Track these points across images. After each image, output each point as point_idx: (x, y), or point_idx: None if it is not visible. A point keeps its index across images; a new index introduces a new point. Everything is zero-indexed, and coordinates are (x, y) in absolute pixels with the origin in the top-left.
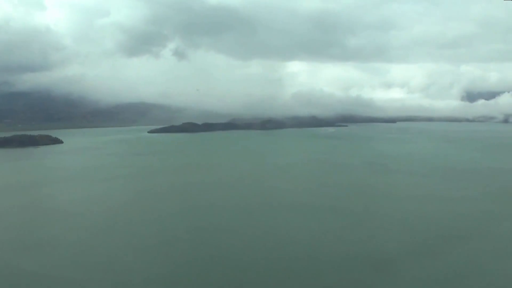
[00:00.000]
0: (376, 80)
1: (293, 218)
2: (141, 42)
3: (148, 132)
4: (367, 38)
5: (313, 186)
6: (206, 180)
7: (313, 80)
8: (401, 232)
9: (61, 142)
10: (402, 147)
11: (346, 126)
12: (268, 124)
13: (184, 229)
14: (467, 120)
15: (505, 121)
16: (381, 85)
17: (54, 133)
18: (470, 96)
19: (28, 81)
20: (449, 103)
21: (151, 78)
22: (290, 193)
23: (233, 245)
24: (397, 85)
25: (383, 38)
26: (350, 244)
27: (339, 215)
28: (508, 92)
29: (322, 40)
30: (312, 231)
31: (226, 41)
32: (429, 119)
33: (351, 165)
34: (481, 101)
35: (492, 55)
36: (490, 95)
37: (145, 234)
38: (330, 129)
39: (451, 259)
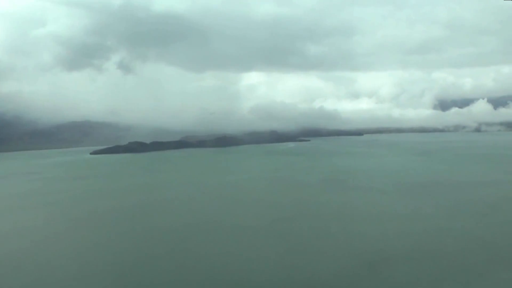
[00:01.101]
0: (342, 90)
1: (230, 243)
2: (82, 54)
3: (91, 153)
4: (329, 45)
5: (258, 207)
6: (144, 203)
7: (273, 92)
8: (342, 256)
9: None
10: (366, 162)
11: (309, 140)
12: (223, 141)
13: (114, 258)
14: (438, 130)
15: (477, 130)
16: (347, 95)
17: None
18: (443, 104)
19: None
20: (420, 113)
21: (95, 94)
22: (230, 215)
23: (164, 271)
24: (365, 95)
25: (346, 44)
26: (285, 270)
27: (282, 238)
28: (483, 99)
29: (280, 48)
30: (246, 257)
31: (176, 52)
32: (399, 131)
33: (305, 183)
34: (454, 109)
35: (464, 60)
36: (464, 102)
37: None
38: (291, 144)
39: (391, 283)
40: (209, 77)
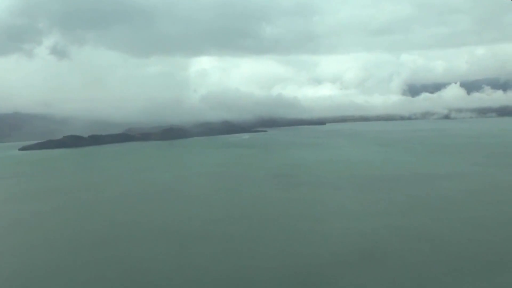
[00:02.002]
0: (303, 75)
1: (156, 247)
2: (9, 38)
3: (20, 149)
4: (286, 25)
5: (195, 207)
6: (69, 205)
7: (226, 79)
8: (276, 260)
9: None
10: (324, 154)
11: (265, 131)
12: (170, 133)
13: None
14: (405, 118)
15: (447, 117)
16: (309, 81)
17: None
18: (413, 90)
19: None
20: (387, 99)
21: (25, 82)
22: (162, 216)
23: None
24: (328, 80)
25: (306, 25)
26: (211, 274)
27: (213, 242)
28: (455, 83)
29: (233, 29)
30: (170, 263)
31: (118, 34)
32: (365, 119)
33: (253, 179)
34: (424, 95)
35: (435, 41)
36: (436, 87)
37: None
38: (245, 136)
39: None
40: (155, 62)
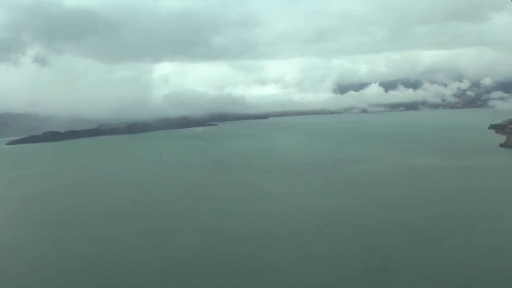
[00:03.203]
0: (251, 77)
1: (95, 227)
2: None
3: (7, 144)
4: (233, 35)
5: (140, 190)
6: (31, 192)
7: (185, 81)
8: (203, 234)
9: None
10: (261, 144)
11: (216, 125)
12: (135, 128)
13: None
14: (334, 112)
15: (364, 111)
16: (256, 82)
17: None
18: (341, 88)
19: None
20: (320, 96)
21: (14, 87)
22: (109, 201)
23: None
24: (272, 82)
25: (249, 35)
26: (144, 250)
27: (150, 221)
28: (375, 82)
29: (188, 39)
30: (108, 240)
31: (90, 45)
32: (302, 113)
33: (197, 165)
34: (350, 93)
35: (358, 48)
36: (360, 86)
37: None
38: (198, 129)
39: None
40: (123, 68)
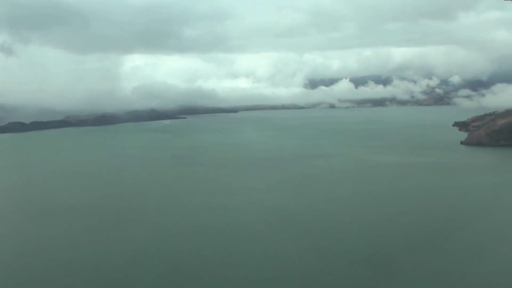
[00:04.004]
0: (222, 70)
1: (41, 220)
2: None
3: None
4: (203, 28)
5: (97, 184)
6: None
7: (155, 73)
8: (146, 231)
9: None
10: (226, 138)
11: (185, 118)
12: (103, 120)
13: None
14: (304, 107)
15: (332, 106)
16: (227, 75)
17: None
18: (313, 83)
19: None
20: (291, 91)
21: None
22: (64, 195)
23: None
24: (243, 75)
25: (220, 28)
26: (95, 245)
27: (102, 215)
28: (346, 78)
29: (159, 31)
30: (59, 234)
31: (59, 35)
32: (273, 108)
33: (156, 159)
34: (321, 88)
35: (330, 43)
36: (331, 81)
37: None
38: (166, 122)
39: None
40: (92, 59)
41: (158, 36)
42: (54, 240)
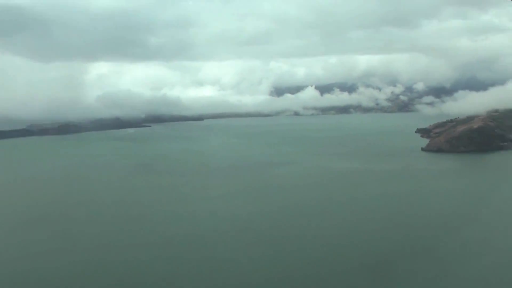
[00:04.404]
0: (187, 78)
1: None
2: None
3: None
4: (168, 36)
5: (49, 193)
6: None
7: (121, 81)
8: (94, 242)
9: None
10: (190, 146)
11: (150, 126)
12: (66, 129)
13: None
14: (268, 115)
15: (296, 113)
16: (193, 83)
17: None
18: (279, 91)
19: None
20: (256, 99)
21: None
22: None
23: None
24: (209, 83)
25: (184, 35)
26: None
27: (48, 224)
28: (311, 86)
29: (123, 39)
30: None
31: (21, 42)
32: (238, 115)
33: (116, 168)
34: (287, 95)
35: (295, 51)
36: (297, 89)
37: None
38: (130, 130)
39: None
40: (55, 67)
41: (123, 44)
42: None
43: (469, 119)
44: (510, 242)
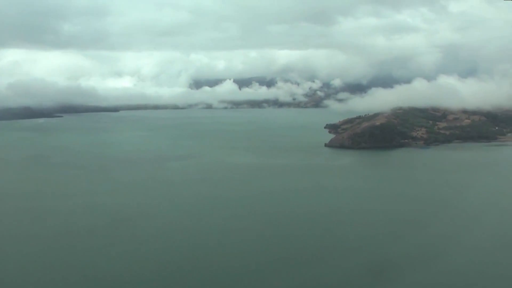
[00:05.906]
0: (105, 68)
1: None
2: None
3: None
4: (82, 23)
5: None
6: None
7: (34, 69)
8: None
9: None
10: (95, 137)
11: (61, 116)
12: None
13: None
14: (185, 107)
15: (209, 106)
16: (112, 73)
17: None
18: (198, 84)
19: None
20: (174, 91)
21: None
22: None
23: None
24: (128, 74)
25: (99, 24)
26: None
27: None
28: (230, 79)
29: (35, 25)
30: None
31: None
32: (156, 107)
33: (7, 160)
34: (204, 88)
35: (214, 43)
36: (216, 82)
37: None
38: (40, 120)
39: None
40: None
41: (34, 30)
42: None
43: (376, 115)
44: (390, 237)
